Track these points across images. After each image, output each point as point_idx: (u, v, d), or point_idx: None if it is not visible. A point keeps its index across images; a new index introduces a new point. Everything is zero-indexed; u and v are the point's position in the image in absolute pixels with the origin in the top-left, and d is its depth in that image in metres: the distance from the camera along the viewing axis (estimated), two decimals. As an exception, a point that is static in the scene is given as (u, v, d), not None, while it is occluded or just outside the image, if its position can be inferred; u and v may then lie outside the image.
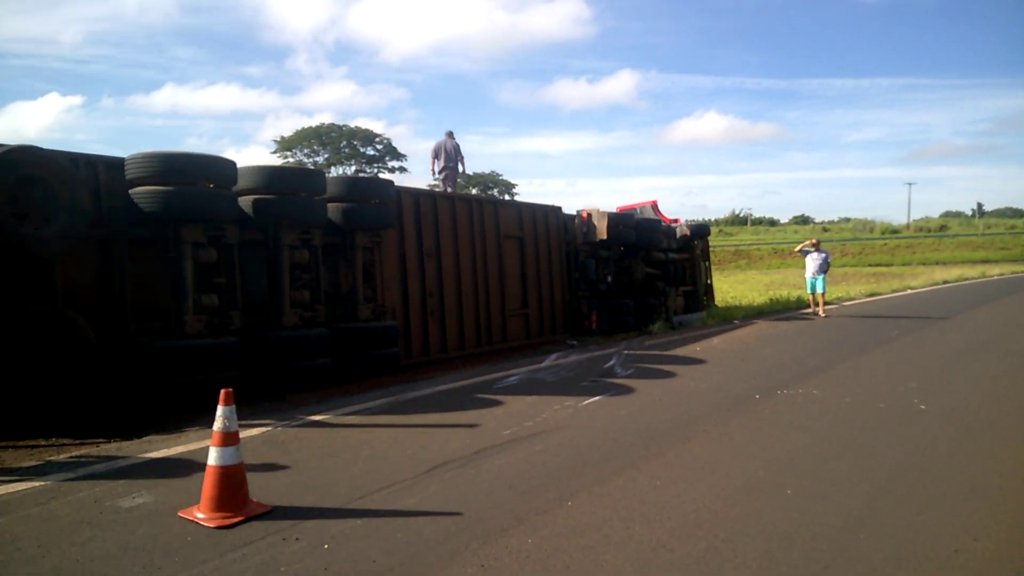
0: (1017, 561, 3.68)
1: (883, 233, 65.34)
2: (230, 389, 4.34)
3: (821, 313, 16.83)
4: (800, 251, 17.70)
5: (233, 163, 7.87)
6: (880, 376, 8.92)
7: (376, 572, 3.57)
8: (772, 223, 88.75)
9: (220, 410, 4.25)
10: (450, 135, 15.68)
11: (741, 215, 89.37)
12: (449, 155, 15.49)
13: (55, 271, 6.82)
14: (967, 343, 11.87)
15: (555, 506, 4.43)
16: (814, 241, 17.81)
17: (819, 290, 17.03)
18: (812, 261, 17.07)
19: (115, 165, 7.39)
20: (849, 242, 60.08)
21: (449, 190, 15.03)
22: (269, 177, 8.37)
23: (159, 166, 7.18)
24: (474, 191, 56.91)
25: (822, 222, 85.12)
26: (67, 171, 6.74)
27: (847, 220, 79.79)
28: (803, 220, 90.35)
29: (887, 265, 47.41)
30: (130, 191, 7.28)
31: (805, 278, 17.49)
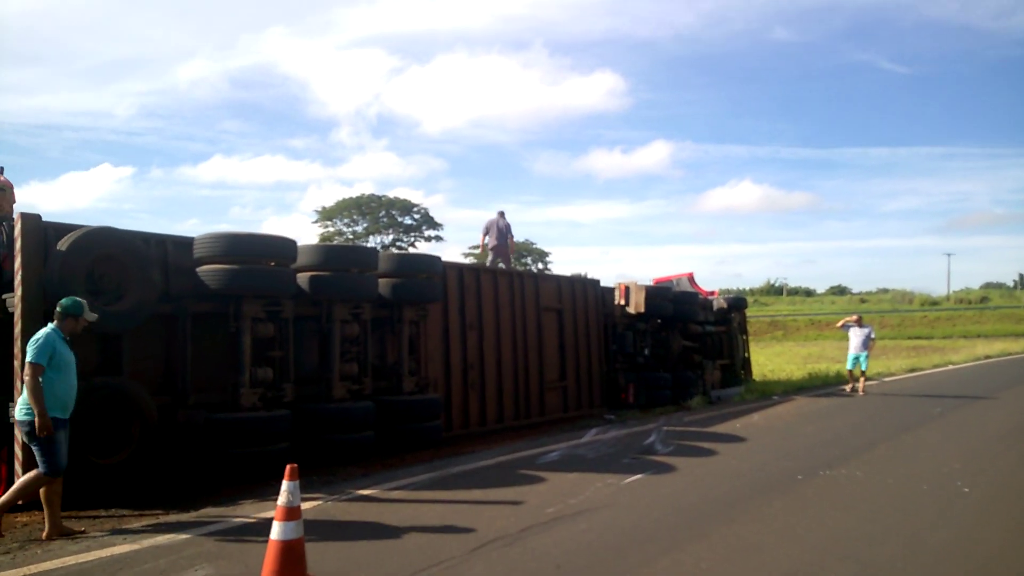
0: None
1: (922, 305, 64.44)
2: (295, 465, 4.56)
3: (860, 391, 16.49)
4: (842, 326, 17.52)
5: (293, 242, 8.30)
6: (923, 456, 8.87)
7: (434, 650, 3.70)
8: (808, 293, 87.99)
9: (285, 485, 4.46)
10: (501, 215, 16.29)
11: (777, 285, 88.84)
12: (502, 232, 16.08)
13: (123, 345, 7.20)
14: (1011, 423, 11.71)
15: (603, 587, 4.53)
16: (856, 317, 17.54)
17: (862, 367, 16.69)
18: (855, 336, 16.77)
19: (183, 244, 7.85)
20: (888, 313, 59.27)
21: (501, 266, 15.47)
22: (325, 255, 8.80)
23: (225, 245, 7.62)
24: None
25: (860, 293, 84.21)
26: (139, 250, 7.20)
27: (885, 291, 78.86)
28: (840, 291, 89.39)
29: (927, 338, 46.61)
30: (197, 269, 7.71)
31: (848, 354, 17.13)
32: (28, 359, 5.57)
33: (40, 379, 5.55)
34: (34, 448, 5.68)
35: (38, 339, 5.66)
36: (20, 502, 5.85)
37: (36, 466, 5.71)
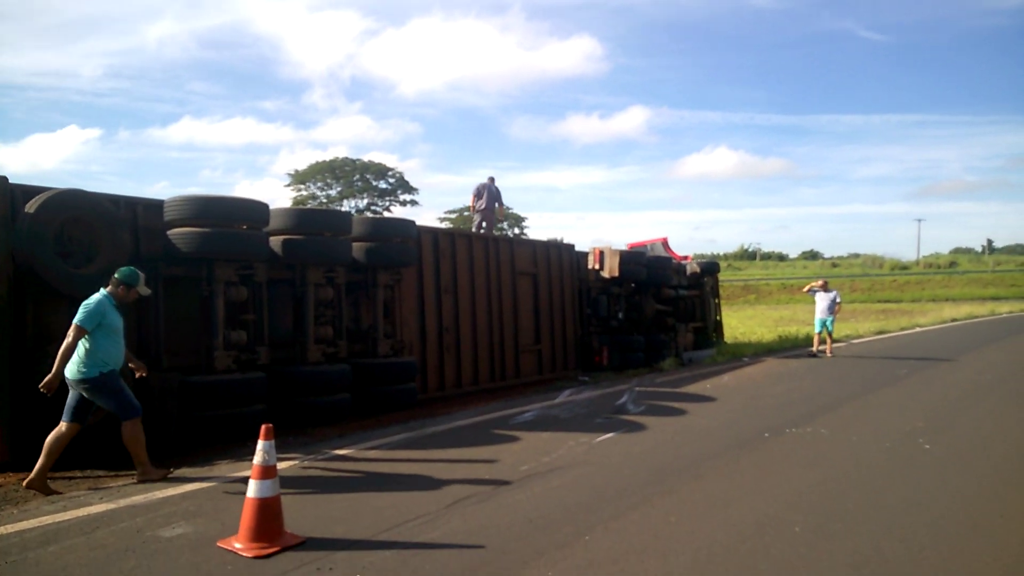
0: (1013, 598, 3.88)
1: (892, 269, 65.47)
2: (270, 424, 4.62)
3: (828, 353, 16.80)
4: (808, 291, 17.85)
5: (266, 205, 8.24)
6: (887, 415, 9.12)
7: (408, 600, 3.81)
8: (781, 258, 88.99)
9: (261, 444, 4.52)
10: (492, 180, 16.46)
11: (750, 250, 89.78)
12: (492, 197, 16.26)
13: (94, 308, 7.14)
14: (974, 383, 12.04)
15: (573, 540, 4.66)
16: (822, 281, 17.77)
17: (828, 330, 17.00)
18: (821, 300, 17.08)
19: (153, 207, 7.76)
20: (859, 278, 60.20)
21: (483, 230, 15.64)
22: (298, 218, 8.76)
23: (197, 209, 7.55)
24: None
25: (831, 257, 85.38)
26: (109, 212, 7.12)
27: (856, 256, 80.00)
28: (812, 255, 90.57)
29: (896, 302, 47.49)
30: (168, 232, 7.64)
31: (815, 318, 17.36)
32: (75, 321, 5.82)
33: (80, 341, 5.83)
34: (103, 401, 5.98)
35: (89, 304, 5.91)
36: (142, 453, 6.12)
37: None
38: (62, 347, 5.77)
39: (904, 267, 67.22)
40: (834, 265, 74.26)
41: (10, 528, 4.86)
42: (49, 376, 5.76)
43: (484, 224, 16.11)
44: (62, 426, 5.93)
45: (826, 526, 4.93)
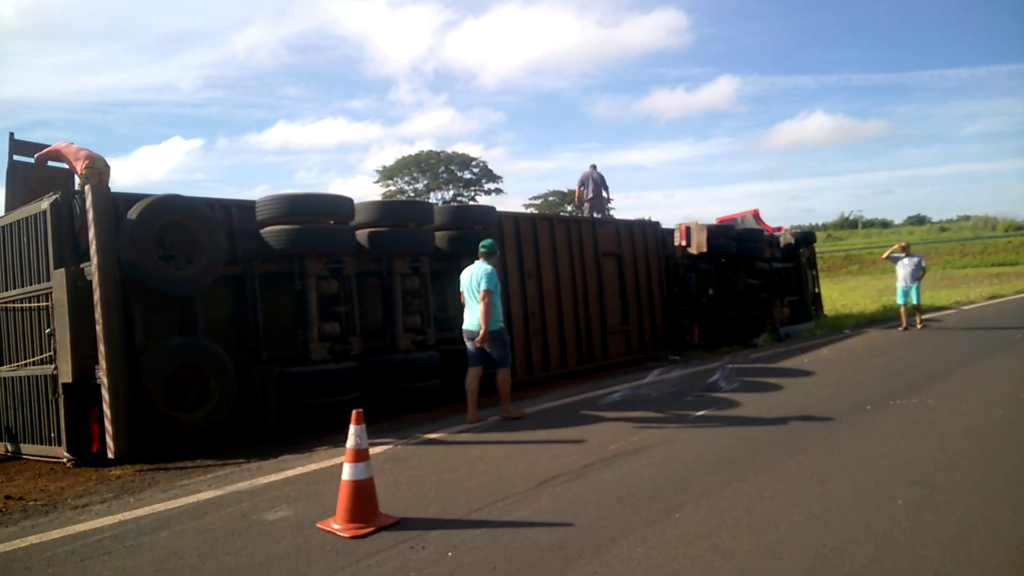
0: None
1: (1007, 230, 61.40)
2: (360, 409, 4.77)
3: (918, 325, 15.35)
4: (888, 257, 16.17)
5: (350, 200, 8.48)
6: (999, 383, 8.61)
7: (498, 577, 3.87)
8: (885, 225, 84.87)
9: (352, 429, 4.67)
10: (594, 167, 16.42)
11: (851, 218, 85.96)
12: (597, 184, 16.26)
13: (196, 307, 7.55)
14: (1101, 346, 11.21)
15: (663, 517, 4.61)
16: (903, 244, 16.13)
17: (914, 300, 15.38)
18: (903, 267, 15.47)
19: (246, 207, 8.11)
20: (969, 241, 56.78)
21: (597, 215, 15.74)
22: (382, 211, 8.98)
23: (286, 207, 7.85)
24: (569, 208, 57.21)
25: (940, 221, 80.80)
26: (205, 215, 7.48)
27: (967, 218, 75.44)
28: (919, 220, 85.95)
29: (1012, 264, 44.54)
30: (260, 231, 7.98)
31: (897, 287, 15.77)
32: (486, 287, 7.77)
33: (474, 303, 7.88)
34: (493, 349, 7.95)
35: (490, 272, 7.87)
36: (507, 396, 8.18)
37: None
38: (483, 309, 7.76)
39: (1020, 227, 62.92)
40: (943, 229, 70.29)
41: (127, 515, 5.20)
42: (482, 332, 7.76)
43: (594, 213, 16.10)
44: (471, 371, 8.04)
45: (931, 497, 4.71)
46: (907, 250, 15.67)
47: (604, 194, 16.41)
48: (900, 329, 15.23)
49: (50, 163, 8.39)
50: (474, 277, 7.94)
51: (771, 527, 4.35)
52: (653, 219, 14.85)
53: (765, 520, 4.48)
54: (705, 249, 14.46)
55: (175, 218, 7.26)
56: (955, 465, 5.43)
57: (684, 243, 14.78)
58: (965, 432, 6.40)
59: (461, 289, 8.24)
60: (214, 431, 7.29)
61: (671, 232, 15.06)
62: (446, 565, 4.03)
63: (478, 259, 8.07)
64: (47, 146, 8.37)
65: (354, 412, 4.73)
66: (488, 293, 7.74)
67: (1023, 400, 7.49)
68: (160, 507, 5.35)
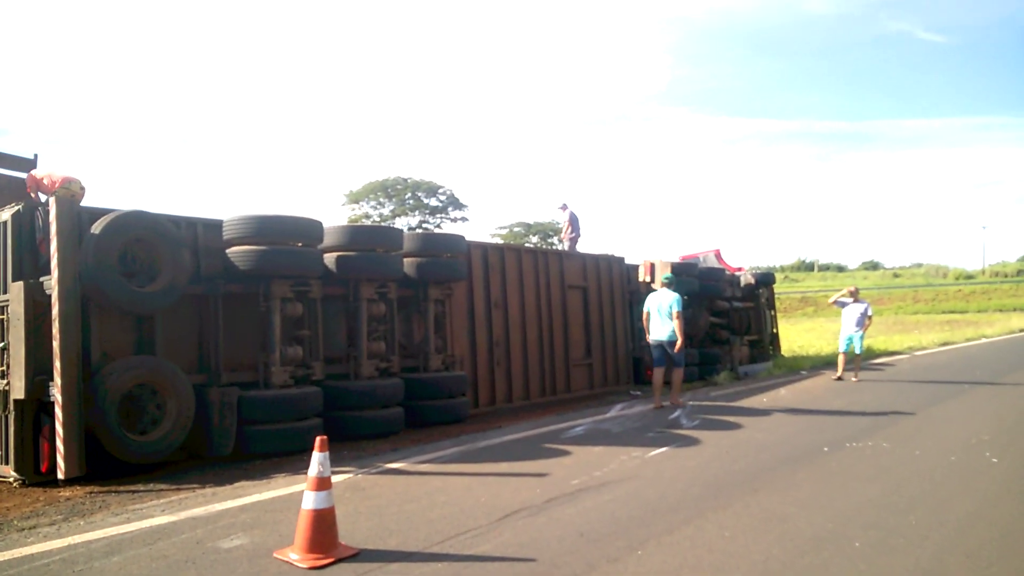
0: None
1: (957, 279, 63.37)
2: (325, 437, 4.70)
3: (854, 378, 14.10)
4: (835, 302, 15.01)
5: (320, 223, 8.43)
6: (952, 428, 8.82)
7: (460, 612, 3.82)
8: (840, 269, 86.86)
9: (316, 456, 4.60)
10: (564, 207, 16.71)
11: (808, 261, 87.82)
12: (575, 223, 16.65)
13: (156, 325, 7.40)
14: (1046, 395, 11.56)
15: (625, 554, 4.61)
16: (852, 289, 14.84)
17: (856, 349, 14.18)
18: (849, 313, 14.35)
19: (213, 226, 8.00)
20: (922, 288, 58.41)
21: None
22: (351, 235, 8.95)
23: (254, 227, 7.76)
24: (535, 239, 57.53)
25: (893, 267, 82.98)
26: (170, 232, 7.37)
27: (919, 265, 77.61)
28: (873, 266, 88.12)
29: (962, 312, 45.93)
30: (227, 250, 7.87)
31: (840, 333, 14.59)
32: (679, 309, 10.81)
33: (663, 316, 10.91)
34: (678, 355, 10.94)
35: (679, 298, 10.94)
36: (677, 390, 11.45)
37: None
38: (679, 325, 10.78)
39: (969, 276, 64.99)
40: (896, 275, 72.20)
41: (77, 539, 5.03)
42: (680, 341, 10.74)
43: (574, 248, 16.39)
44: (657, 370, 11.11)
45: (887, 541, 4.79)
46: (855, 295, 14.66)
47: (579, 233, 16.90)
48: (834, 378, 14.29)
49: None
50: (664, 302, 10.91)
51: (732, 567, 4.38)
52: (617, 254, 15.03)
53: (726, 559, 4.50)
54: (669, 286, 14.61)
55: (139, 234, 7.14)
56: (911, 509, 5.53)
57: (648, 279, 14.93)
58: (920, 476, 6.53)
59: (645, 310, 11.25)
60: (170, 453, 7.11)
61: (636, 267, 15.23)
62: (407, 599, 3.97)
63: (661, 287, 11.28)
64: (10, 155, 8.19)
65: (318, 439, 4.66)
66: (680, 314, 10.72)
67: (975, 446, 7.68)
68: (112, 531, 5.19)
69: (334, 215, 69.14)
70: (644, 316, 11.31)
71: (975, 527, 5.08)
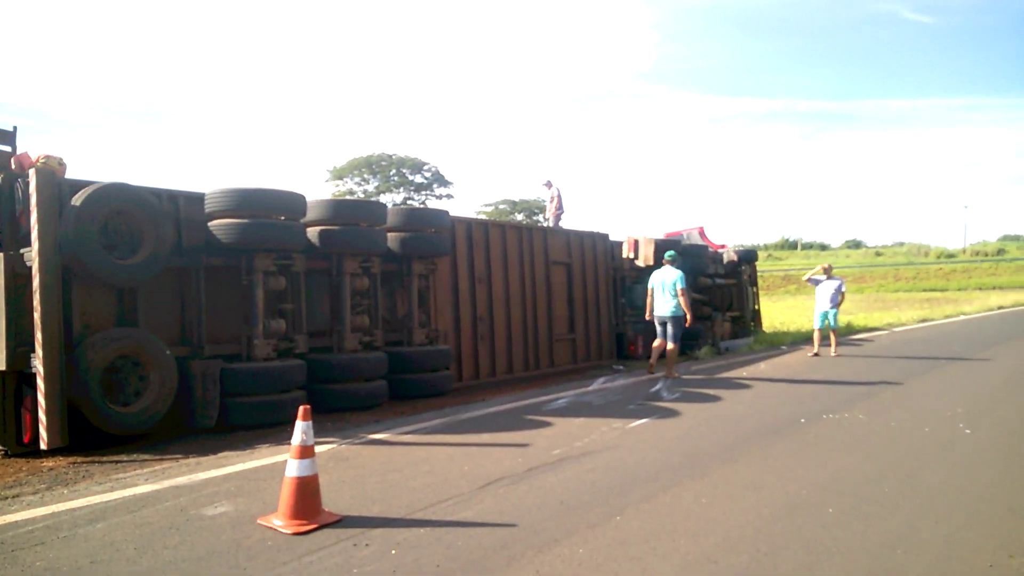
0: (1050, 578, 3.84)
1: (938, 257, 63.98)
2: (308, 406, 4.74)
3: (832, 352, 14.29)
4: (809, 279, 15.02)
5: (303, 197, 8.40)
6: (927, 401, 8.99)
7: (440, 575, 3.90)
8: (823, 247, 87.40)
9: (299, 425, 4.64)
10: (549, 183, 16.64)
11: (791, 240, 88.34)
12: (559, 201, 16.57)
13: (138, 297, 7.39)
14: (1018, 370, 11.78)
15: (604, 520, 4.70)
16: (825, 266, 15.01)
17: (832, 324, 14.35)
18: (823, 290, 14.49)
19: (195, 199, 7.97)
20: (903, 266, 58.97)
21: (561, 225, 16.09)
22: (335, 209, 8.92)
23: (236, 200, 7.74)
24: (520, 216, 57.47)
25: (875, 246, 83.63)
26: (152, 205, 7.33)
27: (901, 244, 78.24)
28: (855, 244, 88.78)
29: (942, 290, 46.49)
30: (208, 223, 7.84)
31: (815, 310, 14.67)
32: (683, 286, 11.25)
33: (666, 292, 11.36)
34: (674, 328, 11.34)
35: (682, 275, 11.39)
36: (672, 362, 11.70)
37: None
38: (685, 301, 11.24)
39: (950, 255, 65.59)
40: (878, 254, 72.77)
41: (61, 507, 5.06)
42: (689, 316, 11.35)
43: (558, 224, 16.32)
44: (659, 340, 11.58)
45: (860, 508, 4.91)
46: (828, 272, 14.75)
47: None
48: (810, 355, 14.32)
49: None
50: (668, 279, 11.33)
51: (708, 532, 4.48)
52: (601, 231, 15.08)
53: (702, 525, 4.60)
54: (652, 262, 14.71)
55: (121, 206, 7.09)
56: (883, 478, 5.66)
57: (632, 255, 15.03)
58: (894, 447, 6.67)
59: (650, 287, 11.65)
60: (152, 425, 7.14)
61: (619, 244, 15.29)
62: (389, 562, 4.03)
63: (664, 265, 11.66)
64: None
65: (301, 408, 4.71)
66: (684, 291, 11.19)
67: (949, 418, 7.83)
68: (95, 500, 5.22)
69: (318, 191, 68.64)
70: (648, 292, 11.71)
71: (946, 495, 5.21)
